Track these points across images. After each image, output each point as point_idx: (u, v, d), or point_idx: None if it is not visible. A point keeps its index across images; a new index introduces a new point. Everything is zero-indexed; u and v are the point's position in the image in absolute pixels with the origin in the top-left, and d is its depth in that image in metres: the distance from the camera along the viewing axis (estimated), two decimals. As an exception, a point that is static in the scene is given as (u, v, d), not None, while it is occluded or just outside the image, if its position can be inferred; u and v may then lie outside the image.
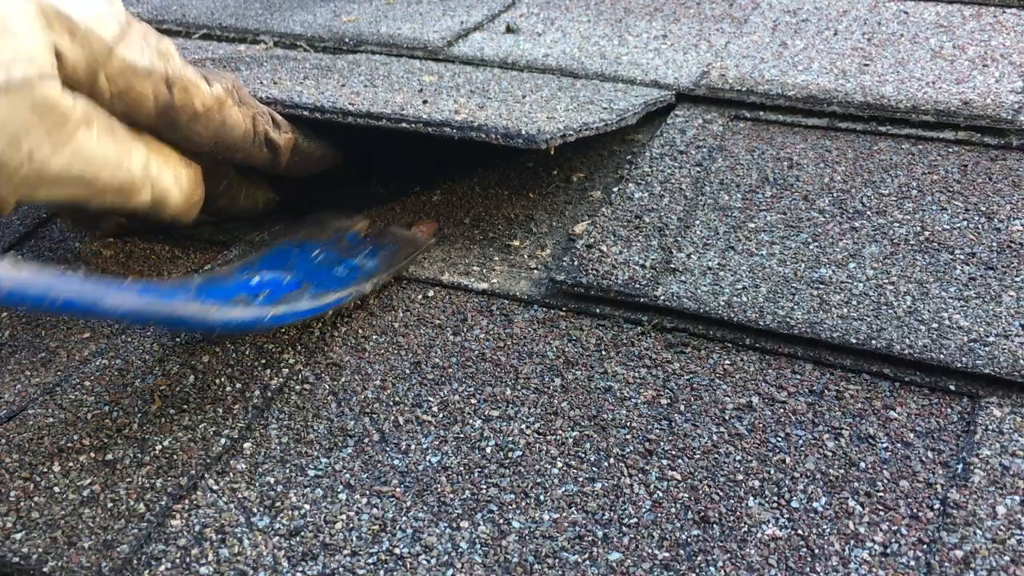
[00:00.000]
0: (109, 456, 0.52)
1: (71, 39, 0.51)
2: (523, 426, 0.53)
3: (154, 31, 0.59)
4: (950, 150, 0.77)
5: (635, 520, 0.47)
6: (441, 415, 0.54)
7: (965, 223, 0.67)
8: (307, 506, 0.48)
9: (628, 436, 0.52)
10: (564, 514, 0.47)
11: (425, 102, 0.70)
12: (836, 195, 0.72)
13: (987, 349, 0.55)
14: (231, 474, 0.51)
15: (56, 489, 0.50)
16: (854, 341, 0.56)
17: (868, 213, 0.69)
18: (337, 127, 0.68)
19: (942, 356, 0.54)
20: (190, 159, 0.63)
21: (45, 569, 0.45)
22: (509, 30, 1.04)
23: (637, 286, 0.62)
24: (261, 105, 0.66)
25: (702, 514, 0.47)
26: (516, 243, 0.71)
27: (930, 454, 0.50)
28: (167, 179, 0.60)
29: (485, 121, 0.63)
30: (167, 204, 0.61)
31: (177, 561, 0.45)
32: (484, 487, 0.49)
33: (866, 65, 0.91)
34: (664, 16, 1.08)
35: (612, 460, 0.50)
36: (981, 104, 0.81)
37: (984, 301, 0.59)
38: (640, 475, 0.49)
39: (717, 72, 0.90)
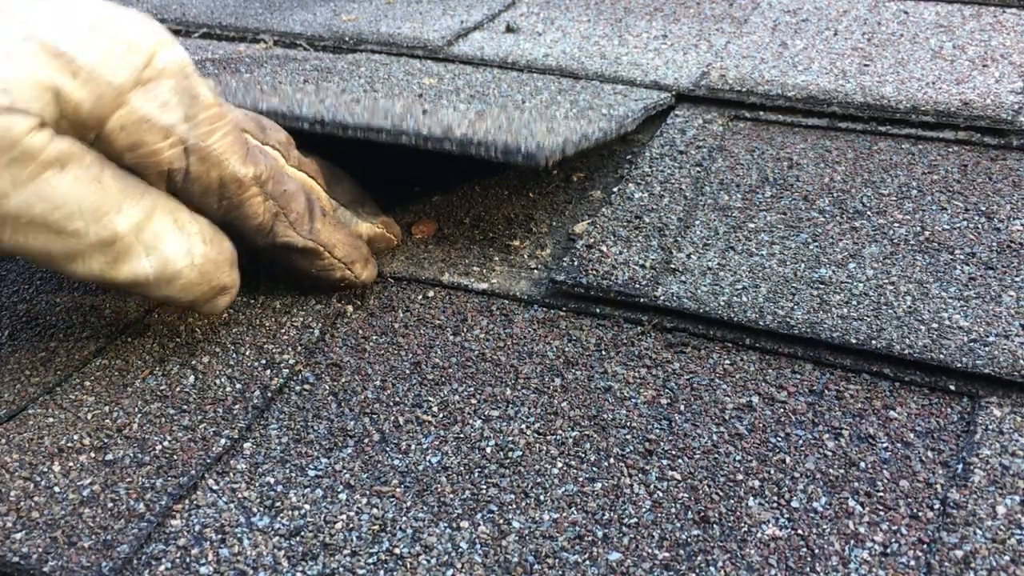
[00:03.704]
0: (109, 456, 0.52)
1: (73, 78, 0.48)
2: (523, 426, 0.53)
3: (205, 88, 0.53)
4: (950, 150, 0.77)
5: (635, 520, 0.47)
6: (441, 415, 0.54)
7: (965, 223, 0.67)
8: (307, 506, 0.48)
9: (628, 436, 0.52)
10: (564, 514, 0.47)
11: (425, 112, 0.70)
12: (836, 195, 0.72)
13: (987, 349, 0.55)
14: (231, 474, 0.51)
15: (56, 489, 0.50)
16: (854, 341, 0.56)
17: (868, 213, 0.69)
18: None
19: (942, 356, 0.54)
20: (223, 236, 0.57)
21: (45, 569, 0.45)
22: (509, 30, 1.04)
23: (637, 286, 0.62)
24: (299, 203, 0.59)
25: (702, 514, 0.47)
26: (516, 243, 0.71)
27: (930, 454, 0.50)
28: (173, 249, 0.53)
29: (484, 136, 0.64)
30: (176, 284, 0.54)
31: (177, 561, 0.45)
32: (484, 487, 0.49)
33: (866, 65, 0.91)
34: (664, 16, 1.08)
35: (612, 460, 0.50)
36: (981, 104, 0.81)
37: (984, 301, 0.59)
38: (640, 475, 0.49)
39: (717, 72, 0.90)
